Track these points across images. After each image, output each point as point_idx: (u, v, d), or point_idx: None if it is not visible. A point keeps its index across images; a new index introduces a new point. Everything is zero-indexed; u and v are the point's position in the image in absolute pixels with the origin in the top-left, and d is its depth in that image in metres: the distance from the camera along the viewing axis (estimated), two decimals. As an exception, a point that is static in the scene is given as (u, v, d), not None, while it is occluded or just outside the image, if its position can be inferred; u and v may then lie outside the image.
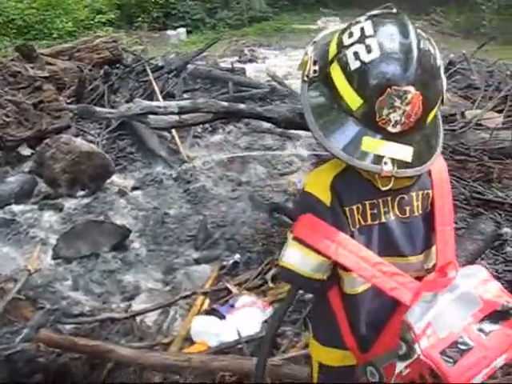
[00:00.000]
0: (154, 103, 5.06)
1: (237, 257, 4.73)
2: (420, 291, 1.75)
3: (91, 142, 6.86)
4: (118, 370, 3.50)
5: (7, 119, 6.70)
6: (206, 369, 2.97)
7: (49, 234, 5.33)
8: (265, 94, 8.63)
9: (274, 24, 17.36)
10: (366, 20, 1.63)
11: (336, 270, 1.88)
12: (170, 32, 16.71)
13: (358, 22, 1.64)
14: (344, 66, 1.62)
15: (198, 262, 4.84)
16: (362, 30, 1.60)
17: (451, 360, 1.62)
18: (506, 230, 4.65)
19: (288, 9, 18.43)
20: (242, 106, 4.98)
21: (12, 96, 6.98)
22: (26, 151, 6.82)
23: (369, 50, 1.57)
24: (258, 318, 3.94)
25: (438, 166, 1.91)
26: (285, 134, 7.68)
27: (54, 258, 4.91)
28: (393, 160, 1.67)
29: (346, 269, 1.82)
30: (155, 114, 4.51)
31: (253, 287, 4.33)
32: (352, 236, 1.81)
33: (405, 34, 1.59)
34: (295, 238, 1.84)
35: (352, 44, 1.60)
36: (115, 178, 6.50)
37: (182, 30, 16.68)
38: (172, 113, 4.54)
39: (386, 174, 1.68)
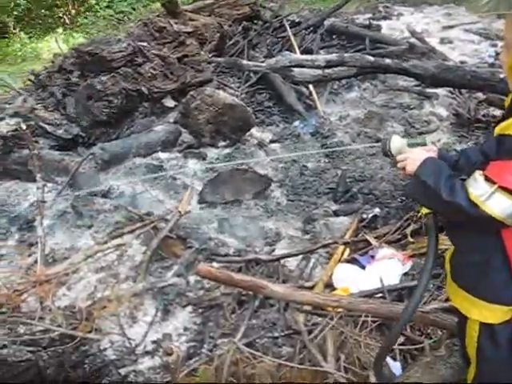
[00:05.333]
0: (302, 56, 5.17)
1: (376, 210, 4.78)
2: None
3: (232, 95, 7.08)
4: (263, 307, 3.74)
5: (154, 72, 7.04)
6: (355, 310, 3.08)
7: (193, 181, 5.62)
8: (402, 52, 8.44)
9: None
10: None
11: None
12: (302, -12, 16.63)
13: None
14: None
15: (336, 213, 4.94)
16: None
17: None
18: None
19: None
20: (388, 60, 4.95)
21: (158, 50, 7.32)
22: (169, 103, 7.15)
23: None
24: (398, 270, 4.00)
25: None
26: (423, 93, 7.53)
27: (200, 202, 5.20)
28: None
29: None
30: (302, 66, 4.58)
31: (392, 241, 4.38)
32: None
33: None
34: (500, 187, 1.87)
35: None
36: (254, 130, 6.70)
37: (315, -14, 16.55)
38: (319, 66, 4.61)
39: None
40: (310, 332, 3.29)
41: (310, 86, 7.28)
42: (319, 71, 5.01)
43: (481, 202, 1.89)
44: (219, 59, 7.34)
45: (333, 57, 4.80)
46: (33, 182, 5.67)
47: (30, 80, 7.56)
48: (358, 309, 3.03)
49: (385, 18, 12.61)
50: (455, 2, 13.46)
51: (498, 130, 1.97)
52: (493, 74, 4.97)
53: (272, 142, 6.52)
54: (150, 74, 7.00)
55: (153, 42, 7.56)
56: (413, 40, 9.04)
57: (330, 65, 4.70)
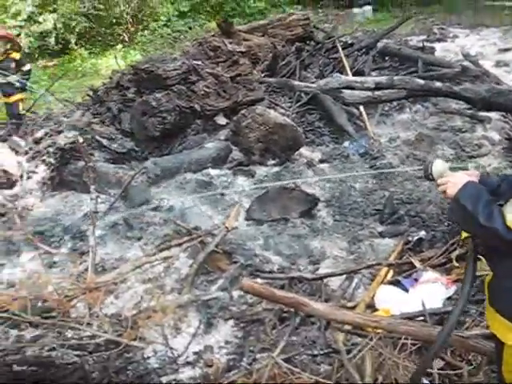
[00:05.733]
0: (352, 78, 5.23)
1: (422, 233, 4.76)
2: None
3: (282, 114, 7.18)
4: (304, 325, 3.79)
5: (207, 90, 7.22)
6: (394, 332, 3.10)
7: (241, 198, 5.72)
8: (455, 74, 8.39)
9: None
10: None
11: None
12: (355, 10, 16.75)
13: None
14: None
15: (382, 235, 4.95)
16: None
17: None
18: None
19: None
20: (438, 84, 4.95)
21: (212, 69, 7.50)
22: (221, 120, 7.32)
23: None
24: (441, 294, 3.98)
25: None
26: (475, 117, 7.48)
27: (247, 219, 5.29)
28: None
29: None
30: (352, 88, 4.64)
31: (437, 264, 4.35)
32: None
33: None
34: None
35: None
36: (303, 150, 6.78)
37: (368, 8, 16.66)
38: (368, 88, 4.66)
39: None
40: (348, 351, 3.31)
41: (361, 108, 7.33)
42: (369, 93, 5.05)
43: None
44: (271, 79, 7.48)
45: (382, 79, 4.85)
46: (87, 193, 5.92)
47: (88, 95, 7.86)
48: (398, 330, 3.04)
49: (439, 40, 12.60)
50: (513, 24, 13.31)
51: None
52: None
53: (321, 161, 6.58)
54: (203, 92, 7.20)
55: (207, 60, 7.76)
56: (466, 63, 8.97)
57: (379, 87, 4.75)
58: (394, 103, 7.71)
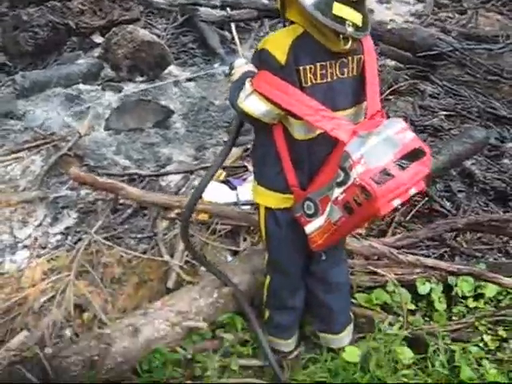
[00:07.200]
0: (200, -5, 5.52)
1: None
2: (356, 130, 2.27)
3: (157, 35, 7.44)
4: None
5: (83, 7, 7.37)
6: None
7: (105, 110, 6.03)
8: None
9: None
10: None
11: (286, 118, 2.40)
12: None
13: None
14: None
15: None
16: None
17: (378, 184, 2.14)
18: (510, 144, 4.98)
19: None
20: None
21: (88, -14, 7.60)
22: (98, 39, 7.49)
23: None
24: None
25: (367, 37, 2.42)
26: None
27: (106, 129, 5.64)
28: (352, 24, 2.20)
29: (296, 117, 2.35)
30: (200, 5, 4.99)
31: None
32: (304, 91, 2.32)
33: None
34: (255, 91, 2.36)
35: None
36: (174, 69, 7.10)
37: None
38: (215, 6, 5.01)
39: (349, 35, 2.20)
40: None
41: (233, 31, 7.64)
42: (224, 12, 5.41)
43: (241, 102, 2.41)
44: None
45: (228, -2, 5.21)
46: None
47: (-38, 8, 7.79)
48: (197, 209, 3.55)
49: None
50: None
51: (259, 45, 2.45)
52: (379, 24, 5.47)
53: (188, 80, 6.92)
54: (78, 9, 7.32)
55: (85, -22, 7.81)
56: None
57: (225, 5, 5.11)
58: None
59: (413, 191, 2.24)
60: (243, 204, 4.13)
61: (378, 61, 6.90)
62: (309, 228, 2.45)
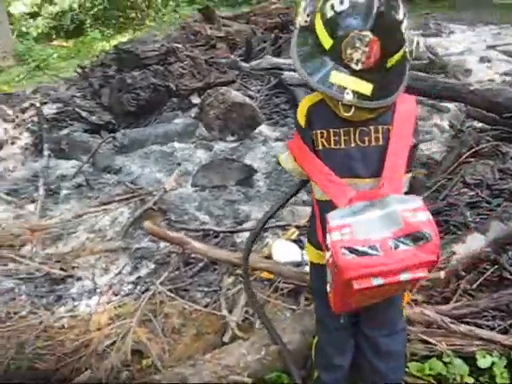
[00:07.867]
0: (281, 60, 5.79)
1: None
2: (353, 199, 2.31)
3: (251, 96, 7.81)
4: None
5: (183, 71, 7.89)
6: (259, 268, 3.74)
7: (195, 167, 6.36)
8: (425, 66, 8.85)
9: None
10: None
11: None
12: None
13: None
14: (323, 15, 2.13)
15: (305, 203, 5.54)
16: None
17: (353, 255, 2.07)
18: None
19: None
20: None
21: (190, 52, 8.15)
22: (195, 100, 7.99)
23: (341, 2, 2.09)
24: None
25: (405, 108, 2.37)
26: (435, 106, 7.96)
27: (192, 185, 5.94)
28: (354, 92, 2.15)
29: (310, 178, 2.47)
30: (281, 69, 5.23)
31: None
32: (317, 155, 2.44)
33: None
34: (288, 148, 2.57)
35: None
36: (265, 129, 7.40)
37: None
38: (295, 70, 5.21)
39: (346, 102, 2.17)
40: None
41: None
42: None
43: (279, 155, 2.65)
44: (224, 60, 8.05)
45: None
46: (65, 159, 6.68)
47: (76, 71, 8.57)
48: (259, 267, 3.67)
49: (434, 35, 12.90)
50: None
51: None
52: (463, 86, 5.45)
53: (277, 139, 7.17)
54: (178, 72, 7.86)
55: (187, 44, 8.40)
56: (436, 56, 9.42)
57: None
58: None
59: (405, 276, 2.09)
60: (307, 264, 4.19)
61: (464, 123, 6.93)
62: (327, 288, 2.45)
